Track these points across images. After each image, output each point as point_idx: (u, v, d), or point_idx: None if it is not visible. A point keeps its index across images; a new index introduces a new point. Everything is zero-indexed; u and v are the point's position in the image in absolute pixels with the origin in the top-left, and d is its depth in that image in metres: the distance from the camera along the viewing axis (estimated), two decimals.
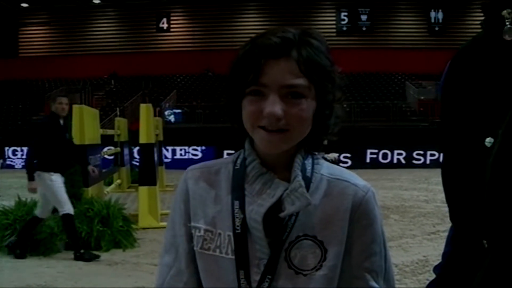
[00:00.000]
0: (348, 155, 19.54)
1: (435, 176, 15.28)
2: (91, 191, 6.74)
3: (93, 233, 5.87)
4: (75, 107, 6.82)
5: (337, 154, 16.03)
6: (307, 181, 1.01)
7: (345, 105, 1.07)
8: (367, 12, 27.26)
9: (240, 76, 0.98)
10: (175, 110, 23.18)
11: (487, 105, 0.90)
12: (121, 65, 27.17)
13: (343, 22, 27.57)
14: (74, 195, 6.22)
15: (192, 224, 1.07)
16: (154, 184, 7.86)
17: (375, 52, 26.47)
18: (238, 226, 1.01)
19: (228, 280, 1.01)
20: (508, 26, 0.88)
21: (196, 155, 20.34)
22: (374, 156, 20.16)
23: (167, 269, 1.09)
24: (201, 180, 1.09)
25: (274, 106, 0.94)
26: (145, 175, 7.89)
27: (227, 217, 1.03)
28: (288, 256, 0.99)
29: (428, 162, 19.89)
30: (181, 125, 21.65)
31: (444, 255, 1.21)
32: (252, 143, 1.05)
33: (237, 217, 1.01)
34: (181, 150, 20.52)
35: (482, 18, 1.00)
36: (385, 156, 20.15)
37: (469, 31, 25.64)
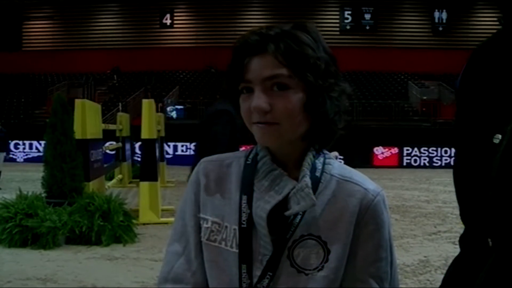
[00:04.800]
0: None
1: (436, 177, 15.28)
2: (92, 186, 6.74)
3: (94, 228, 5.87)
4: (77, 101, 6.82)
5: (337, 153, 16.05)
6: (316, 181, 1.01)
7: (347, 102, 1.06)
8: (371, 11, 27.22)
9: (231, 75, 1.02)
10: (177, 106, 23.17)
11: (498, 102, 0.89)
12: (124, 61, 27.17)
13: (346, 21, 27.53)
14: (75, 189, 6.23)
15: (201, 215, 1.08)
16: (155, 179, 7.86)
17: (378, 51, 26.44)
18: (244, 221, 1.02)
19: (231, 273, 1.02)
20: None
21: None
22: (378, 155, 20.17)
23: (176, 257, 1.10)
24: (213, 173, 1.10)
25: (258, 100, 0.96)
26: (147, 170, 7.89)
27: (234, 211, 1.04)
28: (291, 254, 1.00)
29: (428, 162, 19.95)
30: (183, 121, 21.65)
31: None
32: None
33: (244, 212, 1.02)
34: (182, 146, 20.54)
35: (499, 14, 0.99)
36: (387, 155, 20.15)
37: (473, 32, 25.58)
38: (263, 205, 0.99)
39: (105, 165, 8.63)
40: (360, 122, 20.45)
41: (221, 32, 27.10)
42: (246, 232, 1.01)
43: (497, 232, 0.84)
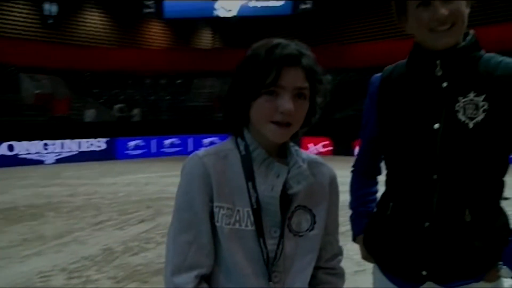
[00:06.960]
0: None
1: (66, 171, 15.33)
2: None
3: None
4: None
5: None
6: None
7: None
8: None
9: (259, 79, 1.20)
10: None
11: (426, 108, 1.53)
12: None
13: None
14: None
15: (216, 203, 1.25)
16: None
17: None
18: (254, 202, 1.25)
19: (249, 247, 1.25)
20: (439, 69, 1.51)
21: None
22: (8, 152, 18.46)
23: (187, 245, 1.25)
24: (217, 165, 1.27)
25: (290, 104, 1.19)
26: None
27: (244, 196, 1.26)
28: (289, 222, 1.30)
29: (40, 156, 19.46)
30: None
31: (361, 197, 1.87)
32: (252, 133, 1.30)
33: (252, 195, 1.25)
34: None
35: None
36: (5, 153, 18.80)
37: (82, 29, 26.43)
38: (271, 188, 1.26)
39: None
40: None
41: None
42: (258, 212, 1.25)
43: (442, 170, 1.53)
